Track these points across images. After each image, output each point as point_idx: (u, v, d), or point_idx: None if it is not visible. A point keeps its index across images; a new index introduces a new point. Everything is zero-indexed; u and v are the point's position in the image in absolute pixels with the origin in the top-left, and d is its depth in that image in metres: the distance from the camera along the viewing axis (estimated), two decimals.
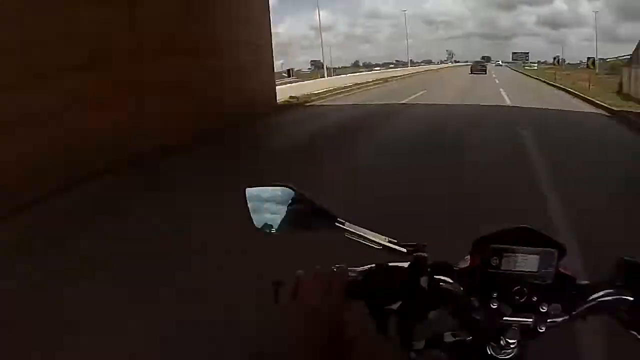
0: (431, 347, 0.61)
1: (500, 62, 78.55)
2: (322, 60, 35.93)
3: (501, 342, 0.58)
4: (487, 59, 78.57)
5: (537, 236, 0.63)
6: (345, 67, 73.70)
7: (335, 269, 0.54)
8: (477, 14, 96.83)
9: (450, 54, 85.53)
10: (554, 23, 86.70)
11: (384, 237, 0.60)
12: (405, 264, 0.59)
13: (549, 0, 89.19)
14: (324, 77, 26.15)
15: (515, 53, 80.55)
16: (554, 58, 39.56)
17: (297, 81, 21.77)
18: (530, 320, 0.60)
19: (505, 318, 0.59)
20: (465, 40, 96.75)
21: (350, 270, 0.57)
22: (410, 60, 75.56)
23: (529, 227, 0.62)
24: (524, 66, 64.99)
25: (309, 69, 70.76)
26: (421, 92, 17.27)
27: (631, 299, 0.59)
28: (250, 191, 0.60)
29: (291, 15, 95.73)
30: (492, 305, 0.60)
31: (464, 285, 0.62)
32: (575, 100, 13.38)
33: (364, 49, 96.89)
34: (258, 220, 0.61)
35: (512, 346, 0.58)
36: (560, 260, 0.64)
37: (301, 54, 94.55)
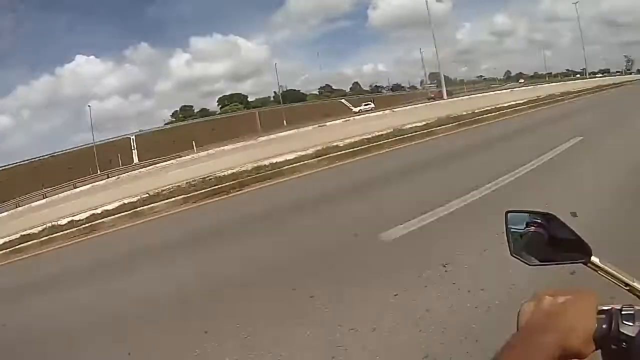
0: None
1: None
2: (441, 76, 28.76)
3: None
4: None
5: None
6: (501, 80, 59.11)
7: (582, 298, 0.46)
8: None
9: (630, 61, 62.33)
10: None
11: None
12: None
13: None
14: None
15: None
16: None
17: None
18: None
19: None
20: None
21: (602, 312, 0.47)
22: (584, 69, 54.74)
23: None
24: None
25: (431, 84, 56.96)
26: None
27: None
28: (510, 215, 0.60)
29: (472, 22, 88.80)
30: None
31: None
32: None
33: (546, 55, 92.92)
34: (514, 245, 0.59)
35: None
36: None
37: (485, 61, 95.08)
